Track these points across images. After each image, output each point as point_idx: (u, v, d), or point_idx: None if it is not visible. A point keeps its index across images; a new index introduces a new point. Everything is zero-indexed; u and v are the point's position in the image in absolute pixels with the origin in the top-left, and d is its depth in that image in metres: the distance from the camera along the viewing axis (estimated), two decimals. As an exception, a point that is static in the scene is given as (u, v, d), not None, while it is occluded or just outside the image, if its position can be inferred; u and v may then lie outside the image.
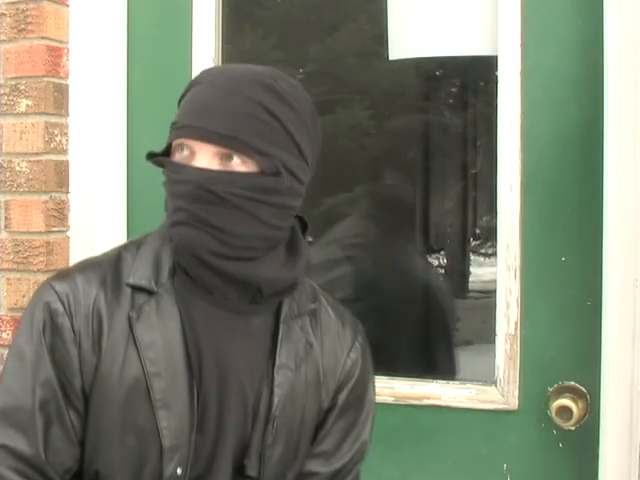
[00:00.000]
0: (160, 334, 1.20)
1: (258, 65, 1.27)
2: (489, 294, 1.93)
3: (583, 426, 1.66)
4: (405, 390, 1.78)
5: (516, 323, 1.70)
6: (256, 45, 2.90)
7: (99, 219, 1.98)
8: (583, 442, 1.66)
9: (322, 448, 1.32)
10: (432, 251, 3.18)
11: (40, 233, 1.93)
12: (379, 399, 1.79)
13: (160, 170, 1.25)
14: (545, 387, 1.69)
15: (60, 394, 1.19)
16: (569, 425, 1.65)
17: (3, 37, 1.96)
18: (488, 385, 1.74)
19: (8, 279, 1.95)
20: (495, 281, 1.73)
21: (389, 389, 1.78)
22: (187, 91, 1.23)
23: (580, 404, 1.65)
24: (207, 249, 1.18)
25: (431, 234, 3.25)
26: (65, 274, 1.26)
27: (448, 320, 2.43)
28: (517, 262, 1.70)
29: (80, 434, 1.20)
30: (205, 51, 1.94)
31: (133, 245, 1.29)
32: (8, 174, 1.96)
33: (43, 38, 1.94)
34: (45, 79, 1.94)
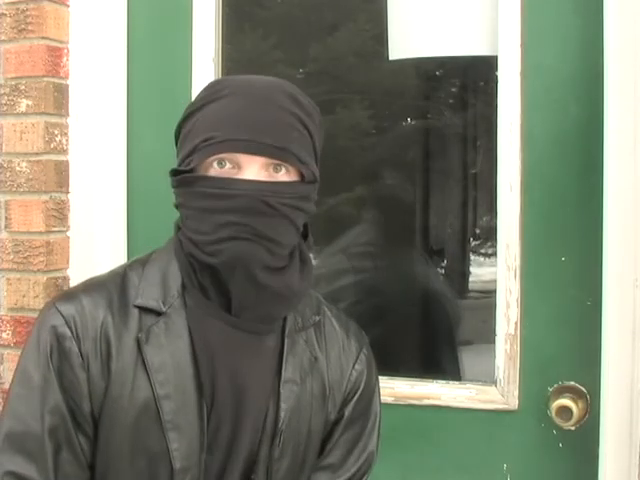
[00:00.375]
0: (169, 355, 1.19)
1: (263, 74, 1.29)
2: (489, 294, 1.93)
3: (583, 426, 1.66)
4: (405, 390, 1.78)
5: (516, 323, 1.70)
6: (256, 45, 2.90)
7: (99, 219, 1.98)
8: (583, 442, 1.66)
9: (329, 461, 1.32)
10: (432, 251, 3.18)
11: (40, 233, 1.93)
12: (379, 399, 1.79)
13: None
14: (545, 387, 1.69)
15: (69, 419, 1.18)
16: (569, 425, 1.65)
17: (3, 37, 1.96)
18: (488, 385, 1.74)
19: (8, 279, 1.95)
20: (495, 281, 1.73)
21: (389, 389, 1.78)
22: (207, 103, 1.21)
23: (580, 404, 1.65)
24: (262, 262, 1.17)
25: (431, 234, 3.25)
26: (70, 295, 1.25)
27: (452, 324, 2.44)
28: (517, 262, 1.70)
29: (89, 458, 1.20)
30: (205, 51, 1.94)
31: (138, 264, 1.28)
32: (8, 174, 1.96)
33: (43, 38, 1.94)
34: (45, 79, 1.94)
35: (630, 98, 1.57)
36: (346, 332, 1.35)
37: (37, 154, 1.94)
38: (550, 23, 1.68)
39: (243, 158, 1.17)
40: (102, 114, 2.00)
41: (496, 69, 1.72)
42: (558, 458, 1.69)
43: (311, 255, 1.30)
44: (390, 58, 1.94)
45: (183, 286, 1.22)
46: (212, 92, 1.22)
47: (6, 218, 1.96)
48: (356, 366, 1.34)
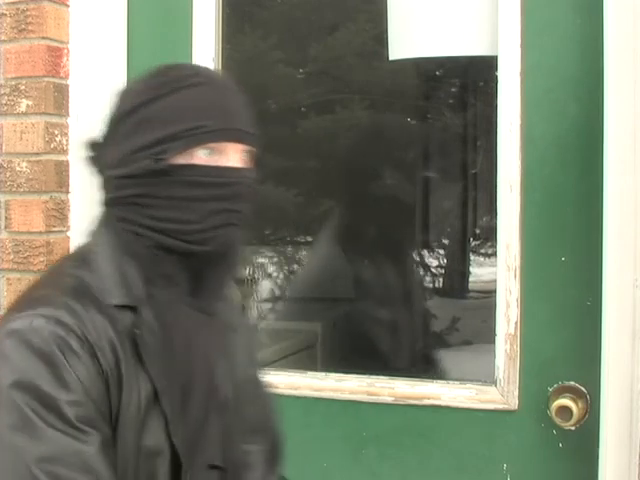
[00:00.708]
0: (156, 348, 1.16)
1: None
2: (489, 294, 1.94)
3: (583, 426, 1.66)
4: (405, 390, 1.78)
5: (516, 323, 1.70)
6: (256, 45, 2.90)
7: (99, 219, 1.98)
8: (583, 442, 1.66)
9: None
10: (432, 251, 3.18)
11: (40, 233, 1.93)
12: (379, 399, 1.80)
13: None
14: (545, 387, 1.69)
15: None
16: (569, 425, 1.65)
17: (3, 37, 1.96)
18: (488, 385, 1.74)
19: (8, 279, 1.95)
20: (495, 281, 1.73)
21: (389, 389, 1.78)
22: (174, 90, 1.18)
23: (580, 404, 1.65)
24: (241, 246, 1.22)
25: (431, 234, 3.25)
26: (53, 303, 1.12)
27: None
28: (517, 262, 1.70)
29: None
30: (205, 51, 1.93)
31: (77, 263, 1.21)
32: (8, 174, 1.96)
33: (43, 38, 1.94)
34: (45, 79, 1.94)
35: (630, 97, 1.57)
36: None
37: (37, 154, 1.94)
38: (550, 23, 1.68)
39: (230, 146, 1.18)
40: (102, 114, 1.99)
41: (496, 69, 1.72)
42: (558, 458, 1.69)
43: None
44: (390, 58, 1.93)
45: (146, 279, 1.18)
46: (174, 79, 1.20)
47: (6, 218, 1.96)
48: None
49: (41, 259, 1.92)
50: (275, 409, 1.37)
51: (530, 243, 1.70)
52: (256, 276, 3.04)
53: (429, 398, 1.78)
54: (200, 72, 1.24)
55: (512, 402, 1.71)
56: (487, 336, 1.79)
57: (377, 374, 1.83)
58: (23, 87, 1.95)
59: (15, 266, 1.94)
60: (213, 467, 1.21)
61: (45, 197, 1.93)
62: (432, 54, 1.91)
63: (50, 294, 1.13)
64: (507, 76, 1.70)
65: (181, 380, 1.18)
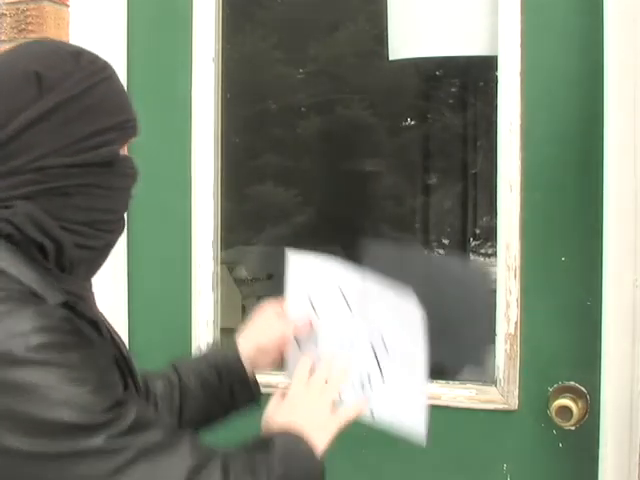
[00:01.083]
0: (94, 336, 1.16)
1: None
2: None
3: (583, 426, 1.66)
4: (405, 390, 1.78)
5: (516, 323, 1.70)
6: (256, 45, 2.90)
7: (99, 219, 1.98)
8: (583, 442, 1.66)
9: None
10: (432, 251, 3.18)
11: (40, 233, 1.93)
12: (379, 399, 1.79)
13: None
14: (545, 387, 1.69)
15: None
16: (569, 425, 1.65)
17: (3, 37, 1.96)
18: (488, 385, 1.74)
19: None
20: (495, 281, 1.73)
21: (389, 389, 1.78)
22: (101, 81, 1.16)
23: (580, 404, 1.65)
24: None
25: (431, 234, 3.25)
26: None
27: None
28: (517, 262, 1.70)
29: None
30: (205, 51, 1.94)
31: None
32: (8, 174, 1.96)
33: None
34: (45, 79, 1.94)
35: (630, 97, 1.57)
36: None
37: (37, 154, 1.93)
38: (550, 23, 1.68)
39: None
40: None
41: (496, 69, 1.72)
42: (558, 458, 1.69)
43: None
44: (390, 58, 1.93)
45: (52, 275, 1.13)
46: (96, 70, 1.17)
47: (6, 218, 1.96)
48: None
49: (41, 259, 1.92)
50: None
51: (530, 243, 1.70)
52: (257, 276, 3.04)
53: (429, 398, 1.77)
54: (105, 63, 1.20)
55: (512, 402, 1.71)
56: (487, 336, 1.79)
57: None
58: (23, 87, 1.94)
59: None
60: None
61: (45, 197, 1.93)
62: (432, 54, 1.91)
63: (13, 308, 1.04)
64: (507, 76, 1.70)
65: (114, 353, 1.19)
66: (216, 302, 1.96)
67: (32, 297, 1.06)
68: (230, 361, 1.43)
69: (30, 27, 1.94)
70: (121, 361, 1.19)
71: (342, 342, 1.47)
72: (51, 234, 1.10)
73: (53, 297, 1.07)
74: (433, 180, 3.29)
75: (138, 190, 1.25)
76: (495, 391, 1.73)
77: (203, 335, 1.94)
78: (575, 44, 1.67)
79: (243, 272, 3.04)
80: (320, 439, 1.25)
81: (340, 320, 1.47)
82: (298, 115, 3.03)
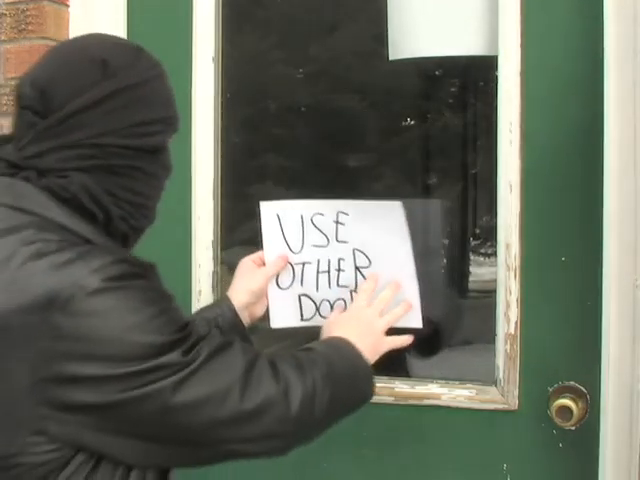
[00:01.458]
0: None
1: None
2: (489, 294, 1.93)
3: (583, 426, 1.66)
4: (405, 390, 1.78)
5: (516, 323, 1.70)
6: (256, 45, 2.90)
7: (99, 219, 1.98)
8: (583, 442, 1.66)
9: None
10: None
11: (40, 233, 1.93)
12: (379, 399, 1.79)
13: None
14: (545, 387, 1.69)
15: None
16: (569, 425, 1.65)
17: (3, 37, 1.96)
18: (488, 385, 1.74)
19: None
20: (495, 281, 1.73)
21: (389, 389, 1.78)
22: (156, 76, 1.29)
23: (580, 404, 1.65)
24: None
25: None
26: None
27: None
28: (517, 262, 1.70)
29: None
30: (205, 51, 1.94)
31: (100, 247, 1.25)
32: (8, 174, 1.96)
33: (43, 38, 1.94)
34: (45, 79, 1.94)
35: (630, 97, 1.57)
36: None
37: (37, 154, 1.93)
38: (550, 23, 1.68)
39: None
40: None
41: (496, 69, 1.72)
42: (558, 458, 1.69)
43: None
44: (390, 58, 1.93)
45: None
46: (154, 65, 1.31)
47: (6, 218, 1.96)
48: None
49: (41, 259, 1.92)
50: None
51: (530, 243, 1.70)
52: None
53: (429, 398, 1.78)
54: (159, 61, 1.33)
55: (512, 402, 1.71)
56: (487, 336, 1.79)
57: (377, 374, 1.83)
58: (23, 87, 1.94)
59: (15, 266, 1.93)
60: None
61: (45, 197, 1.93)
62: (432, 54, 1.91)
63: (82, 252, 1.17)
64: (507, 76, 1.70)
65: None
66: (216, 302, 1.96)
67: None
68: (228, 316, 1.54)
69: (30, 27, 1.94)
70: None
71: (325, 271, 1.57)
72: (102, 204, 1.22)
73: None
74: (433, 180, 3.30)
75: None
76: (495, 391, 1.73)
77: (203, 335, 1.94)
78: (575, 44, 1.67)
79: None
80: (368, 354, 1.39)
81: (319, 251, 1.56)
82: (298, 115, 3.03)
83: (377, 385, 1.41)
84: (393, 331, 1.49)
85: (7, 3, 1.96)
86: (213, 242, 1.95)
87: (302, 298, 1.58)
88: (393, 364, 1.96)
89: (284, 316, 1.55)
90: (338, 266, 1.56)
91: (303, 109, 3.05)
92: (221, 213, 1.97)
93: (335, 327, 1.45)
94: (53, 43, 1.96)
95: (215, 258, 1.95)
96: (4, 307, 1.12)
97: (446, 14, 1.84)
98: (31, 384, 1.11)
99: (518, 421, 1.72)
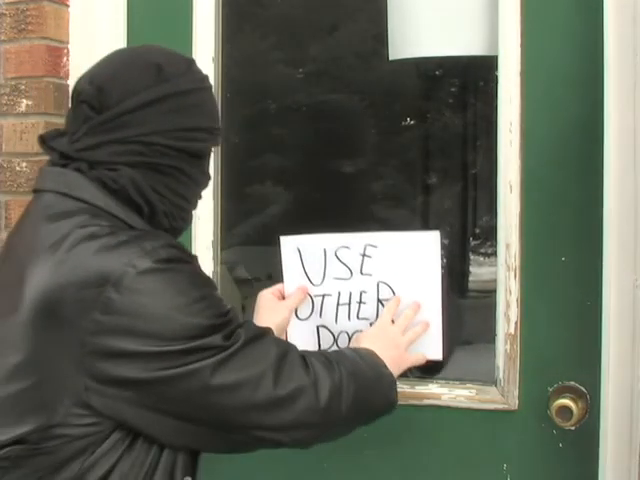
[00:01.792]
0: None
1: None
2: (489, 294, 1.93)
3: (583, 426, 1.66)
4: (405, 390, 1.78)
5: (516, 323, 1.70)
6: (256, 45, 2.90)
7: (99, 219, 1.98)
8: (583, 442, 1.66)
9: None
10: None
11: (40, 233, 1.93)
12: (379, 399, 1.79)
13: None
14: (545, 387, 1.69)
15: None
16: (569, 425, 1.65)
17: (3, 37, 1.96)
18: (488, 385, 1.74)
19: (8, 279, 1.95)
20: (495, 281, 1.73)
21: (389, 389, 1.78)
22: (207, 87, 1.38)
23: (580, 404, 1.65)
24: None
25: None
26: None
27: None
28: (517, 262, 1.70)
29: None
30: (205, 51, 1.94)
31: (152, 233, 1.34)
32: (8, 174, 1.96)
33: (43, 38, 1.94)
34: (45, 79, 1.94)
35: (630, 97, 1.57)
36: None
37: (37, 154, 1.94)
38: (550, 23, 1.68)
39: None
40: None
41: (496, 69, 1.72)
42: (558, 458, 1.69)
43: None
44: (390, 58, 1.93)
45: None
46: (203, 78, 1.39)
47: (6, 218, 1.96)
48: None
49: (41, 259, 1.92)
50: None
51: (530, 243, 1.70)
52: (257, 276, 3.04)
53: (429, 398, 1.78)
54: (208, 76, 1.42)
55: (512, 402, 1.71)
56: (487, 336, 1.79)
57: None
58: (23, 87, 1.95)
59: (15, 266, 1.94)
60: None
61: (45, 197, 1.93)
62: (432, 54, 1.91)
63: (133, 236, 1.26)
64: (507, 76, 1.70)
65: None
66: (216, 302, 1.96)
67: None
68: None
69: (30, 27, 1.94)
70: None
71: (346, 303, 1.59)
72: (148, 198, 1.30)
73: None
74: (433, 180, 3.30)
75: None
76: (495, 391, 1.73)
77: (203, 335, 1.94)
78: (575, 44, 1.67)
79: (243, 272, 3.04)
80: (392, 367, 1.44)
81: (340, 283, 1.59)
82: (298, 115, 3.03)
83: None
84: None
85: (7, 3, 1.96)
86: (213, 242, 1.95)
87: (320, 329, 1.61)
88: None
89: (301, 346, 1.57)
90: (360, 299, 1.59)
91: (303, 109, 3.05)
92: (221, 213, 1.97)
93: (361, 341, 1.50)
94: (53, 43, 1.96)
95: (215, 258, 1.95)
96: (58, 282, 1.19)
97: (446, 14, 1.83)
98: (79, 355, 1.18)
99: (518, 421, 1.72)
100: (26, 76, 1.95)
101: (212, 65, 1.93)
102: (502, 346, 1.71)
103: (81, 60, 2.00)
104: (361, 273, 1.58)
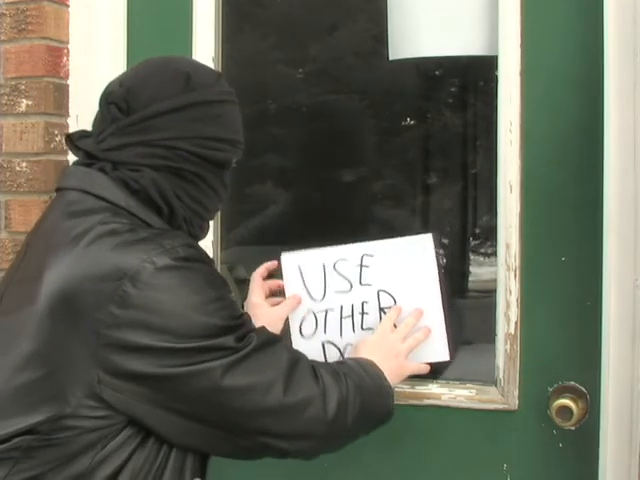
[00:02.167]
0: None
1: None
2: (489, 294, 1.93)
3: (583, 426, 1.66)
4: (405, 390, 1.78)
5: (516, 323, 1.70)
6: (256, 45, 2.90)
7: (99, 219, 1.98)
8: (583, 442, 1.66)
9: None
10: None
11: (40, 233, 1.93)
12: (379, 399, 1.79)
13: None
14: (545, 387, 1.69)
15: None
16: (569, 425, 1.65)
17: (3, 37, 1.96)
18: (488, 385, 1.74)
19: (8, 279, 1.95)
20: (495, 281, 1.73)
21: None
22: (233, 101, 1.42)
23: (580, 404, 1.65)
24: None
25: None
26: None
27: None
28: (517, 262, 1.70)
29: None
30: (205, 51, 1.94)
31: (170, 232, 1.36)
32: (8, 174, 1.96)
33: (43, 38, 1.94)
34: (45, 79, 1.94)
35: (630, 97, 1.57)
36: None
37: (37, 154, 1.94)
38: (550, 23, 1.68)
39: None
40: (102, 114, 1.99)
41: (496, 69, 1.73)
42: (558, 458, 1.69)
43: None
44: (390, 58, 1.93)
45: None
46: (229, 91, 1.42)
47: (6, 218, 1.96)
48: None
49: (41, 259, 1.92)
50: None
51: (530, 243, 1.70)
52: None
53: (429, 398, 1.78)
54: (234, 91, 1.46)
55: (512, 402, 1.71)
56: (487, 336, 1.79)
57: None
58: (23, 87, 1.95)
59: (15, 266, 1.94)
60: None
61: (45, 197, 1.93)
62: (432, 54, 1.91)
63: (152, 233, 1.29)
64: (507, 76, 1.70)
65: None
66: (216, 302, 1.96)
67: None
68: None
69: (30, 27, 1.94)
70: None
71: (349, 316, 1.61)
72: (169, 201, 1.33)
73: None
74: (433, 180, 3.29)
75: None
76: (495, 391, 1.73)
77: (203, 335, 1.94)
78: (575, 44, 1.67)
79: (243, 272, 3.04)
80: (391, 377, 1.46)
81: (342, 297, 1.60)
82: (298, 115, 3.03)
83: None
84: None
85: (7, 3, 1.96)
86: (213, 242, 1.95)
87: (326, 345, 1.63)
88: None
89: None
90: (362, 309, 1.60)
91: (303, 109, 3.05)
92: (221, 213, 1.97)
93: (361, 350, 1.51)
94: (53, 43, 1.96)
95: (215, 258, 1.95)
96: (76, 275, 1.21)
97: (446, 14, 1.83)
98: (93, 347, 1.19)
99: (518, 421, 1.72)
100: (26, 76, 1.95)
101: (212, 65, 1.93)
102: (502, 346, 1.71)
103: (81, 60, 2.00)
104: (361, 284, 1.59)
